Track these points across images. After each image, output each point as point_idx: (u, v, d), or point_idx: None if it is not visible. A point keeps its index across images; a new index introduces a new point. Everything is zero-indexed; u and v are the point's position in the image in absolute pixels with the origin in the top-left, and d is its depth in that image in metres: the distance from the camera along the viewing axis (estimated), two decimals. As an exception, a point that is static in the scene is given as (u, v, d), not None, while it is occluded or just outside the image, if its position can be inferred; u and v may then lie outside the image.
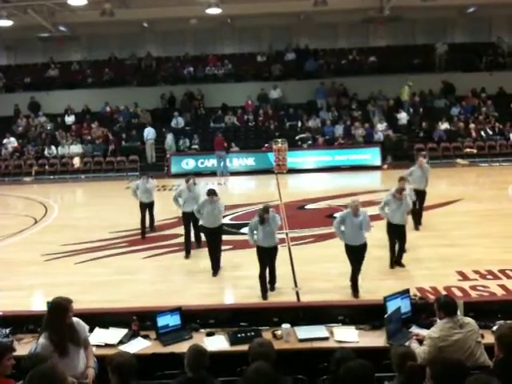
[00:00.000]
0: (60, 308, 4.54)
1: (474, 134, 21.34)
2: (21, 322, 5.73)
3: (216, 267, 9.16)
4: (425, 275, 8.60)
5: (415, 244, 10.02)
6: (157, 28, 24.61)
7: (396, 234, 9.14)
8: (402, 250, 9.21)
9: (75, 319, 4.70)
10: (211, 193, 9.24)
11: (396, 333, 5.30)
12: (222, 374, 4.30)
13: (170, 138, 21.74)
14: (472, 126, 21.60)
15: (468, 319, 4.73)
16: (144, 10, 22.07)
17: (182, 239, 10.50)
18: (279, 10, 22.10)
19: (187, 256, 10.25)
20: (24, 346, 5.18)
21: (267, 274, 8.09)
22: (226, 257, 9.58)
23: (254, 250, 9.90)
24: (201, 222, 9.74)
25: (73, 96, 23.86)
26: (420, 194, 11.00)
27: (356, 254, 7.93)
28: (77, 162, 21.66)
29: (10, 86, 24.90)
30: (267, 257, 8.02)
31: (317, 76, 23.70)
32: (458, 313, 4.92)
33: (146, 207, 11.77)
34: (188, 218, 10.27)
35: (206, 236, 9.54)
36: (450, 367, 3.60)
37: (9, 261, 10.51)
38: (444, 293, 7.66)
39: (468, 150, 20.82)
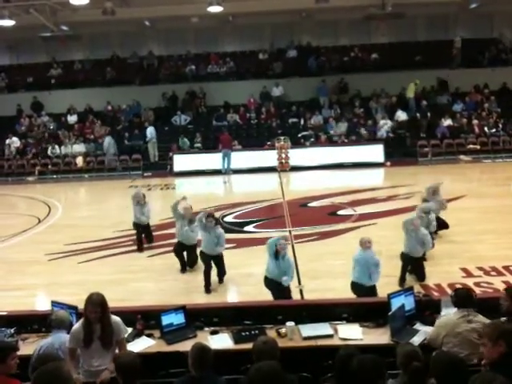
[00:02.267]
0: (85, 301, 4.65)
1: (477, 130, 21.26)
2: (25, 322, 5.74)
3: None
4: (429, 272, 8.58)
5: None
6: (158, 26, 24.60)
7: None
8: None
9: (115, 319, 4.74)
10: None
11: (400, 330, 5.28)
12: (226, 372, 4.31)
13: (107, 140, 21.88)
14: (475, 122, 21.52)
15: (482, 319, 4.71)
16: (145, 9, 22.06)
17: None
18: (281, 8, 22.04)
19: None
20: (29, 346, 5.19)
21: None
22: (229, 255, 9.57)
23: (257, 247, 9.96)
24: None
25: (75, 95, 23.86)
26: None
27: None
28: (80, 161, 21.68)
29: (12, 86, 24.90)
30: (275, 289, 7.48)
31: (319, 73, 23.67)
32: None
33: (141, 227, 10.90)
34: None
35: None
36: (450, 365, 3.62)
37: (13, 260, 10.55)
38: (448, 290, 7.67)
39: (471, 146, 20.75)
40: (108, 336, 4.64)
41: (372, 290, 7.24)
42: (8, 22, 19.82)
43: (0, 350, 4.01)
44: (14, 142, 22.40)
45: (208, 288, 8.56)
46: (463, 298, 4.87)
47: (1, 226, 13.53)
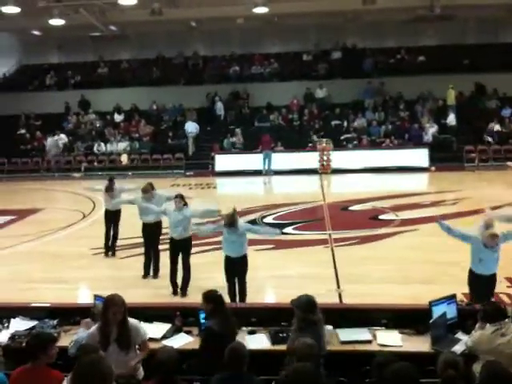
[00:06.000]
0: (106, 303, 4.63)
1: (526, 136, 20.64)
2: (68, 314, 5.85)
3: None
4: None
5: (461, 248, 9.72)
6: (204, 27, 24.77)
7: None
8: None
9: (133, 322, 4.69)
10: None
11: (441, 338, 5.16)
12: (262, 372, 4.30)
13: (49, 141, 22.42)
14: (524, 127, 20.90)
15: None
16: (192, 10, 22.26)
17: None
18: (327, 9, 21.89)
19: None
20: (70, 338, 5.29)
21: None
22: (267, 257, 9.54)
23: (296, 249, 9.88)
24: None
25: (121, 94, 24.32)
26: None
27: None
28: (124, 158, 22.10)
29: (60, 84, 25.59)
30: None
31: (364, 75, 23.41)
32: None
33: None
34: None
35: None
36: (496, 375, 3.55)
37: (58, 254, 10.80)
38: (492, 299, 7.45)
39: (519, 152, 20.13)
40: (126, 338, 4.55)
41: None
42: (58, 22, 20.38)
43: (41, 340, 4.12)
44: (62, 138, 23.00)
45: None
46: (491, 312, 4.75)
47: (47, 220, 13.91)
